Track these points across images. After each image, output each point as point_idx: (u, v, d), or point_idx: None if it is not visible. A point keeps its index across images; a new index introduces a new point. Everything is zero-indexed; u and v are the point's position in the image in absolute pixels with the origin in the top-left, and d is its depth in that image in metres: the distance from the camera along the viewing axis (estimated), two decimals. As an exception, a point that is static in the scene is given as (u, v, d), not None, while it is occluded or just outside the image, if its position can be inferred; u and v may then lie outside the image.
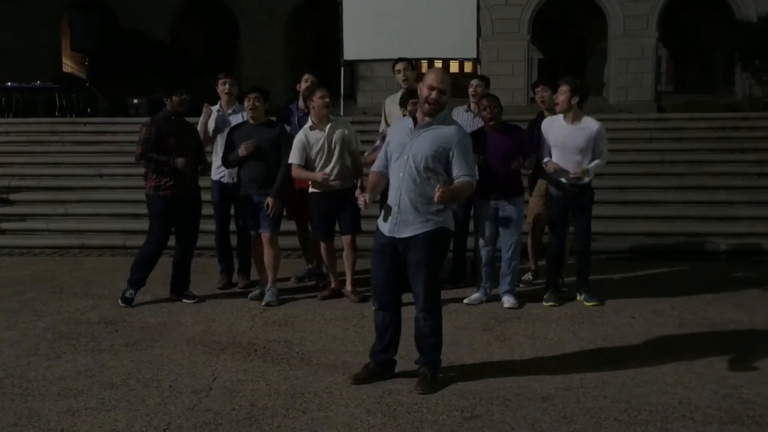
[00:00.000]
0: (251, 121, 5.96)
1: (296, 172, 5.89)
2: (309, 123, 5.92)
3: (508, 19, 21.18)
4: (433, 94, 4.01)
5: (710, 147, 10.44)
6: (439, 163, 4.04)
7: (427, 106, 4.04)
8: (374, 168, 4.32)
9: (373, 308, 4.29)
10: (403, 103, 5.72)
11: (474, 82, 6.52)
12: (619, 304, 5.83)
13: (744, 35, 18.55)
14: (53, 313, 5.75)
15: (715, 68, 22.98)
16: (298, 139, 5.89)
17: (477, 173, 4.16)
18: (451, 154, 4.03)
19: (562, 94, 5.66)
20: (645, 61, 20.96)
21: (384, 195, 4.32)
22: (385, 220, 4.14)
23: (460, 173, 4.05)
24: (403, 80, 6.43)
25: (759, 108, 14.73)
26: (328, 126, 5.87)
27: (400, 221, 4.06)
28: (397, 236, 4.07)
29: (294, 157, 5.86)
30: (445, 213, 4.10)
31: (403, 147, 4.09)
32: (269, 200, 5.79)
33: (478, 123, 6.15)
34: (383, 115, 6.54)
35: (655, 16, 20.76)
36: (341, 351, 4.77)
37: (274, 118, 6.28)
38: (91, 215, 9.42)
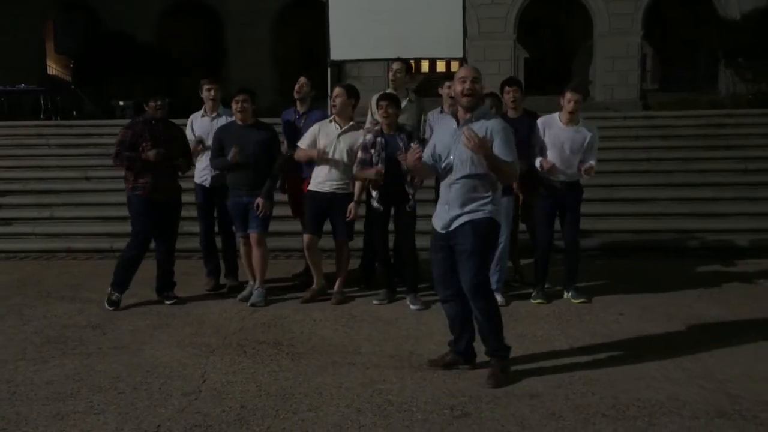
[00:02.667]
0: (239, 122, 5.95)
1: (297, 153, 5.99)
2: (331, 116, 5.98)
3: (494, 19, 21.24)
4: (467, 83, 4.11)
5: (696, 144, 10.52)
6: (479, 160, 4.09)
7: (464, 99, 4.13)
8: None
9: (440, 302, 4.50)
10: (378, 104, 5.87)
11: (448, 83, 6.47)
12: (607, 301, 5.87)
13: (727, 33, 18.71)
14: (40, 317, 5.72)
15: (699, 66, 23.14)
16: (313, 128, 6.00)
17: (518, 167, 4.27)
18: (492, 146, 4.08)
19: (575, 102, 5.68)
20: (630, 59, 21.07)
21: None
22: (438, 216, 4.30)
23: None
24: (392, 80, 6.45)
25: (743, 105, 14.86)
26: (345, 126, 5.90)
27: (452, 217, 4.19)
28: (450, 231, 4.20)
29: (302, 142, 5.98)
30: (493, 204, 4.18)
31: (449, 148, 4.21)
32: (259, 200, 5.80)
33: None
34: (370, 111, 6.55)
35: (640, 15, 20.88)
36: (331, 351, 4.77)
37: (263, 119, 6.29)
38: (77, 218, 9.36)
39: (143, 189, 5.85)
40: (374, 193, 5.85)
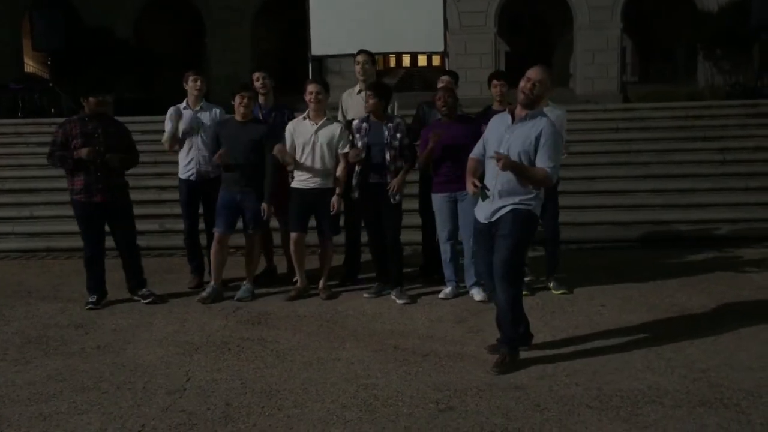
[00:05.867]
0: (238, 119, 5.92)
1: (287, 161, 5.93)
2: (305, 113, 5.95)
3: (475, 12, 21.30)
4: (528, 84, 4.27)
5: (675, 136, 10.61)
6: (527, 157, 4.24)
7: (521, 95, 4.29)
8: (472, 155, 4.60)
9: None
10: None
11: (444, 78, 6.50)
12: (589, 293, 5.92)
13: (705, 25, 18.88)
14: (21, 317, 5.66)
15: (678, 58, 23.36)
16: (288, 127, 5.98)
17: (556, 173, 4.34)
18: (537, 146, 4.22)
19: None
20: (610, 52, 21.22)
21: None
22: (481, 207, 4.42)
23: (539, 164, 4.24)
24: (361, 73, 6.38)
25: (721, 96, 15.00)
26: (321, 122, 5.88)
27: (496, 208, 4.31)
28: (492, 221, 4.34)
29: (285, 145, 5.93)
30: (536, 200, 4.31)
31: (500, 141, 4.34)
32: (264, 206, 5.83)
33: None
34: (340, 109, 6.52)
35: (619, 8, 21.02)
36: (316, 347, 4.77)
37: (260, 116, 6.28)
38: (57, 217, 9.26)
39: (77, 193, 5.70)
40: (354, 182, 5.85)
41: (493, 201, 4.34)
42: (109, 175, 5.72)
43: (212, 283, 6.03)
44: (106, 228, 5.94)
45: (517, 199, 4.28)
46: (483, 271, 4.59)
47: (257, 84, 6.39)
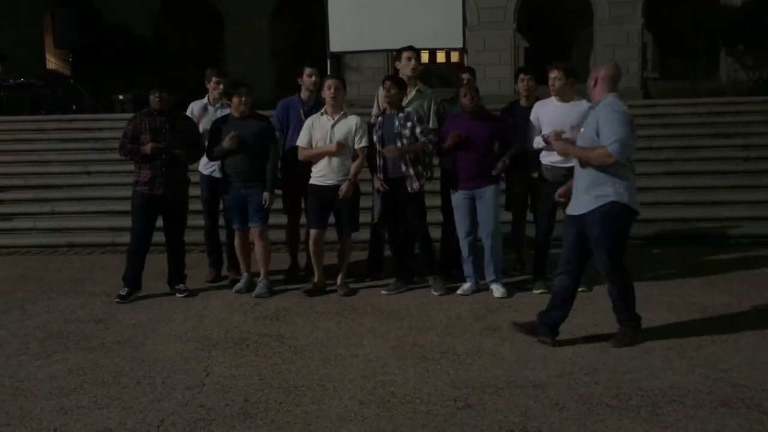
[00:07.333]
0: (237, 115, 5.95)
1: (302, 154, 5.94)
2: (323, 109, 5.98)
3: (494, 8, 21.19)
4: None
5: (697, 133, 10.50)
6: (592, 144, 4.46)
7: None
8: None
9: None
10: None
11: (465, 75, 6.49)
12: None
13: (728, 20, 18.64)
14: (42, 312, 5.72)
15: (700, 54, 23.08)
16: (306, 123, 6.00)
17: (617, 147, 4.39)
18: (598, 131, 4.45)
19: (559, 79, 5.63)
20: (631, 47, 21.03)
21: None
22: (571, 204, 4.70)
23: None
24: (412, 68, 6.33)
25: (744, 93, 14.82)
26: (337, 117, 5.88)
27: (579, 202, 4.55)
28: (576, 213, 4.57)
29: (300, 140, 5.95)
30: (615, 186, 4.42)
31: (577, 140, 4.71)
32: (266, 195, 5.89)
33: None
34: (376, 102, 6.50)
35: (640, 3, 20.82)
36: (334, 344, 4.78)
37: (263, 113, 6.29)
38: (78, 213, 9.36)
39: (142, 184, 5.88)
40: (380, 176, 5.88)
41: (577, 194, 4.56)
42: (174, 169, 5.90)
43: (244, 273, 6.17)
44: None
45: (595, 192, 4.43)
46: (563, 254, 4.67)
47: (308, 81, 6.34)
